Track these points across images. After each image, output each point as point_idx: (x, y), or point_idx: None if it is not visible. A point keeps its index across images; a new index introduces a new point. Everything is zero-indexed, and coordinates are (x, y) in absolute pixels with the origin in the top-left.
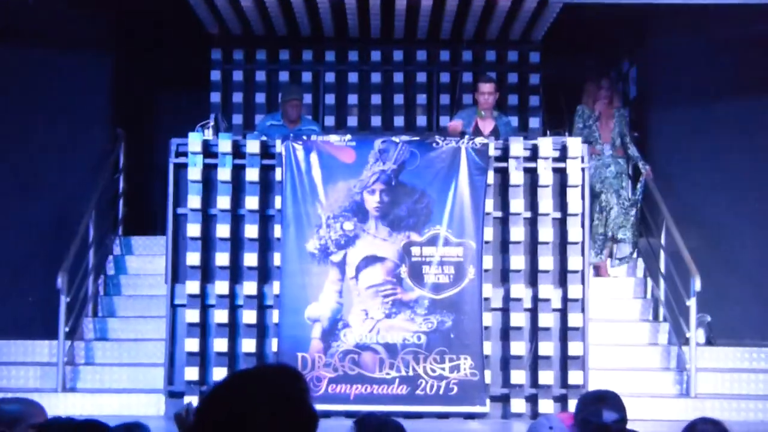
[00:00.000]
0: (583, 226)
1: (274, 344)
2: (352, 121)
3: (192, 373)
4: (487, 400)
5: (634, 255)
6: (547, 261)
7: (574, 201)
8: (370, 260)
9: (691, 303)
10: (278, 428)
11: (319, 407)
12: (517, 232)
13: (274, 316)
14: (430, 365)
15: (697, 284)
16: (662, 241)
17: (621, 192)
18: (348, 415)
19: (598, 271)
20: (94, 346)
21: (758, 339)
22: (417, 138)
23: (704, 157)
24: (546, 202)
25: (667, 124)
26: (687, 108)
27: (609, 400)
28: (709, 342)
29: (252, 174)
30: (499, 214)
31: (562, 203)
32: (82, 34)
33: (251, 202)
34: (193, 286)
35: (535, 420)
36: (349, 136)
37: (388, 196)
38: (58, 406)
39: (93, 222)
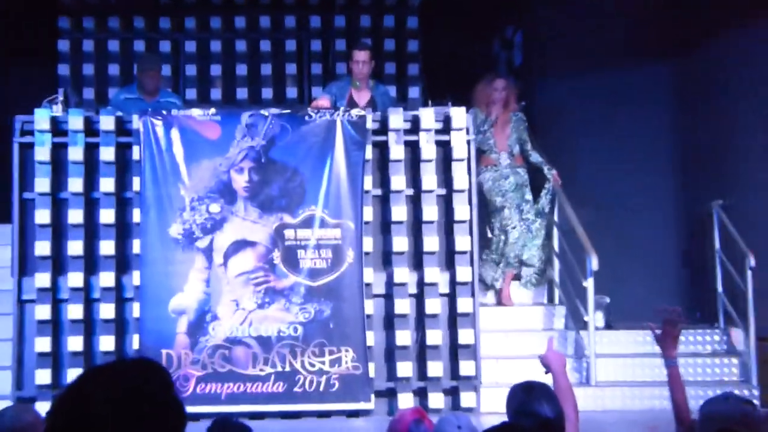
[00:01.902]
0: (470, 203)
1: (135, 341)
2: (216, 93)
3: (43, 376)
4: (372, 396)
5: (543, 276)
6: (432, 242)
7: (460, 176)
8: (240, 245)
9: (589, 284)
10: (139, 428)
11: (188, 409)
12: (399, 211)
13: (135, 309)
14: (308, 359)
15: (593, 263)
16: (555, 218)
17: (523, 206)
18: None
19: (500, 298)
20: None
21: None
22: (288, 111)
23: (594, 128)
24: (429, 177)
25: (555, 92)
26: (575, 76)
27: (541, 391)
28: (608, 326)
29: (107, 153)
30: (378, 191)
31: (446, 179)
32: None
33: (106, 184)
34: (43, 279)
35: (441, 417)
36: (213, 110)
37: (257, 175)
38: None
39: None
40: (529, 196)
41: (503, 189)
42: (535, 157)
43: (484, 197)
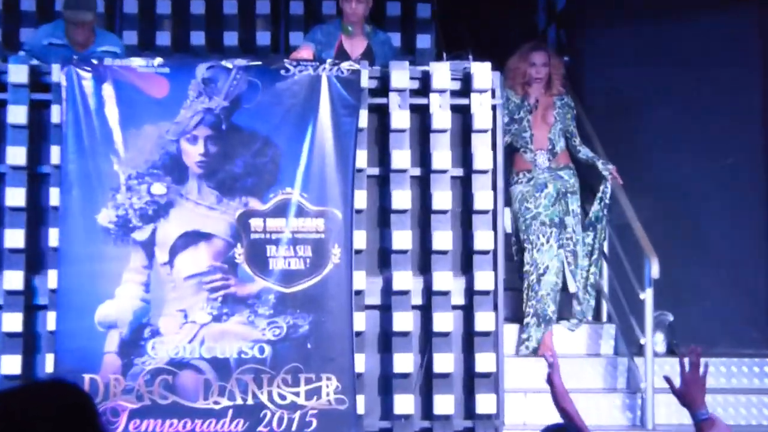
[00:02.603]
0: (494, 188)
1: (49, 362)
2: (164, 38)
3: None
4: None
5: (589, 311)
6: (444, 238)
7: (482, 153)
8: (191, 238)
9: (647, 296)
10: None
11: None
12: (402, 197)
13: (50, 321)
14: (278, 389)
15: (654, 270)
16: (603, 210)
17: (567, 221)
18: None
19: (542, 346)
20: None
21: (736, 345)
22: (258, 63)
23: (658, 94)
24: (442, 154)
25: (606, 46)
26: (634, 26)
27: None
28: (671, 351)
29: (17, 114)
30: (375, 171)
31: (464, 156)
32: None
33: (15, 154)
34: None
35: None
36: (159, 60)
37: (216, 146)
38: None
39: None
40: (576, 206)
41: (537, 206)
42: (585, 152)
43: (512, 218)
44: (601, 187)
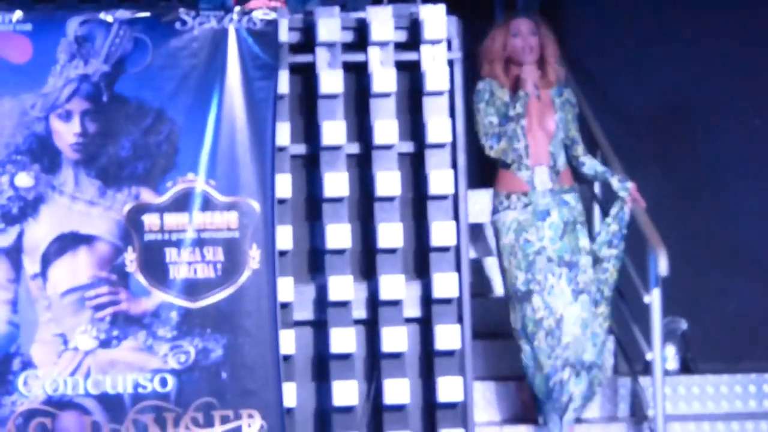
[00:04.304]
0: (455, 166)
1: None
2: None
3: None
4: None
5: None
6: (391, 232)
7: (438, 121)
8: (68, 242)
9: (654, 299)
10: None
11: None
12: (337, 182)
13: None
14: (186, 431)
15: (662, 266)
16: (620, 241)
17: (574, 260)
18: None
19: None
20: None
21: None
22: (146, 14)
23: (661, 44)
24: (386, 124)
25: None
26: None
27: None
28: (686, 367)
29: None
30: (302, 149)
31: (415, 126)
32: None
33: None
34: None
35: None
36: (19, 14)
37: (96, 124)
38: None
39: None
40: (586, 242)
41: (541, 237)
42: (593, 165)
43: (501, 253)
44: (614, 210)
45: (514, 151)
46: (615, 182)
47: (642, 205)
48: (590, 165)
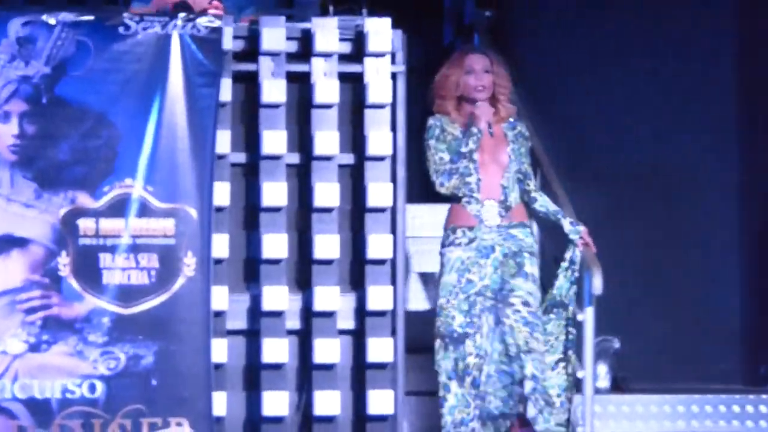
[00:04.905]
0: (394, 179)
1: None
2: None
3: None
4: None
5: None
6: (328, 243)
7: (379, 134)
8: (1, 245)
9: (587, 317)
10: None
11: None
12: (276, 191)
13: None
14: None
15: (596, 284)
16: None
17: (514, 284)
18: None
19: None
20: None
21: (701, 379)
22: (90, 17)
23: (603, 68)
24: (327, 136)
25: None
26: None
27: None
28: (617, 386)
29: None
30: (242, 157)
31: (356, 138)
32: None
33: None
34: None
35: None
36: None
37: (34, 126)
38: None
39: None
40: (534, 269)
41: (483, 276)
42: (545, 203)
43: (441, 289)
44: (567, 255)
45: (465, 185)
46: (567, 224)
47: (593, 250)
48: (542, 202)
